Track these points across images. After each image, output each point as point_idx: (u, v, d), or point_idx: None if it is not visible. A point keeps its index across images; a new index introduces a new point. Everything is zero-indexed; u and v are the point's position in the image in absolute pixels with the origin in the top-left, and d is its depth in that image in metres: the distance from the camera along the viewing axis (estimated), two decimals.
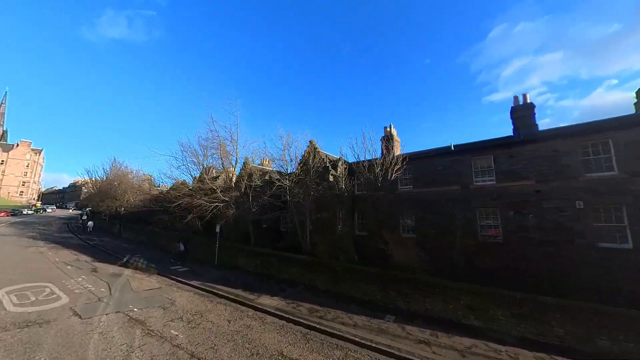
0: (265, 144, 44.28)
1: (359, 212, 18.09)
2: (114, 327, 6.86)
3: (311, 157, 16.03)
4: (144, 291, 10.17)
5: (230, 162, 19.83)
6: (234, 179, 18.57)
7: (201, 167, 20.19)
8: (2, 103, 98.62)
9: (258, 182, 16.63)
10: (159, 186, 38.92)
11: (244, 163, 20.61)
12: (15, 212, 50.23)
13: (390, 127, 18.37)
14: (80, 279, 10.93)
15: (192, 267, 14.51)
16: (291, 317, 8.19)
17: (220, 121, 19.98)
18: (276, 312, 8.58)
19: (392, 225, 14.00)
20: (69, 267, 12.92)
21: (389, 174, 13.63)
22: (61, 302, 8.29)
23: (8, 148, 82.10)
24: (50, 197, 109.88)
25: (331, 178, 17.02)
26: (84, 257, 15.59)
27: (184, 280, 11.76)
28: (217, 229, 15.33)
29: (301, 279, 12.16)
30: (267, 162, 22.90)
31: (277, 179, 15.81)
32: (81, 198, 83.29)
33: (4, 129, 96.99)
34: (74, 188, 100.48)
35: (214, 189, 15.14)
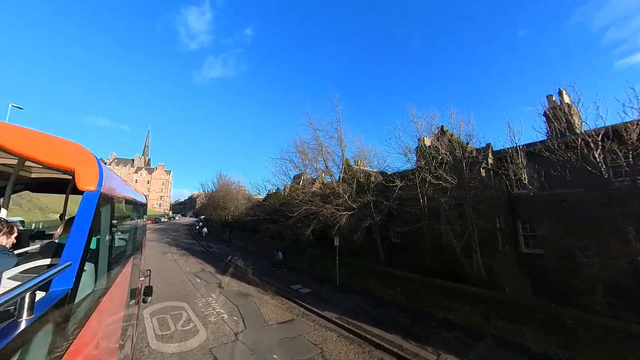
0: (364, 142, 40.88)
1: (523, 219, 12.52)
2: None
3: (444, 145, 11.66)
4: (277, 324, 8.05)
5: (336, 164, 17.43)
6: (340, 183, 15.98)
7: (308, 169, 18.51)
8: (147, 137, 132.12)
9: (370, 183, 13.40)
10: (255, 195, 41.51)
11: (345, 163, 17.94)
12: (156, 219, 63.97)
13: (562, 93, 12.14)
14: (210, 299, 9.85)
15: (310, 285, 12.26)
16: None
17: (320, 121, 17.89)
18: None
19: (607, 240, 8.10)
20: (197, 279, 12.52)
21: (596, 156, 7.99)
22: (199, 339, 6.71)
23: (151, 171, 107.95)
24: (176, 207, 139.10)
25: (483, 172, 12.18)
26: (207, 267, 15.62)
27: (315, 310, 9.29)
28: (337, 242, 12.71)
29: (483, 324, 7.90)
30: (361, 163, 19.69)
31: (389, 179, 12.16)
32: (196, 208, 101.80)
33: (149, 157, 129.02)
34: (191, 200, 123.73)
35: (340, 193, 12.54)
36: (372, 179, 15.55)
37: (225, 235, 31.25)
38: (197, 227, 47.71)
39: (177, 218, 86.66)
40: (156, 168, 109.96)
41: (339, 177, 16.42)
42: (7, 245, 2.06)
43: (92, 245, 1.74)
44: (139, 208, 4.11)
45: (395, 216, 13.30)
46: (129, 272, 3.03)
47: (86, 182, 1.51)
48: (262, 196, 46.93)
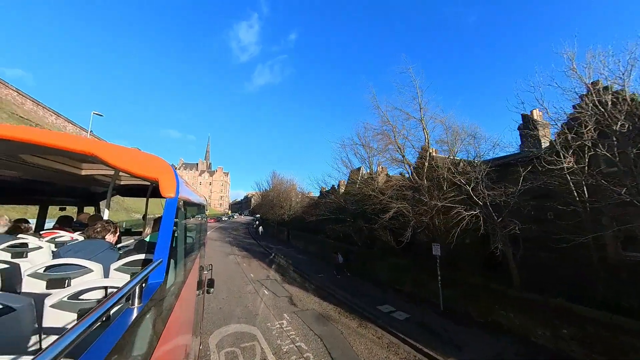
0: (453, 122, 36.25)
1: None
2: None
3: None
4: None
5: (416, 149, 14.03)
6: (423, 172, 12.49)
7: (374, 160, 15.59)
8: (207, 144, 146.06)
9: (479, 173, 9.64)
10: (307, 193, 40.10)
11: (425, 150, 14.30)
12: (218, 218, 68.86)
13: None
14: (284, 323, 7.76)
15: (402, 307, 9.31)
16: None
17: (393, 103, 14.62)
18: None
19: None
20: (265, 290, 10.74)
21: None
22: None
23: (212, 173, 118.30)
24: (234, 207, 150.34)
25: None
26: (272, 273, 13.97)
27: (433, 356, 6.35)
28: (437, 251, 9.46)
29: None
30: (434, 151, 15.63)
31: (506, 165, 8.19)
32: (251, 207, 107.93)
33: (210, 161, 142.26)
34: (247, 199, 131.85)
35: (463, 183, 9.15)
36: (460, 167, 11.75)
37: (282, 235, 30.32)
38: (254, 226, 48.95)
39: (235, 217, 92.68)
40: (216, 171, 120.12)
41: (413, 168, 13.01)
42: (112, 242, 2.56)
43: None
44: (201, 209, 4.33)
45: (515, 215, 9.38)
46: (197, 266, 3.38)
47: (167, 190, 1.72)
48: (313, 194, 45.70)
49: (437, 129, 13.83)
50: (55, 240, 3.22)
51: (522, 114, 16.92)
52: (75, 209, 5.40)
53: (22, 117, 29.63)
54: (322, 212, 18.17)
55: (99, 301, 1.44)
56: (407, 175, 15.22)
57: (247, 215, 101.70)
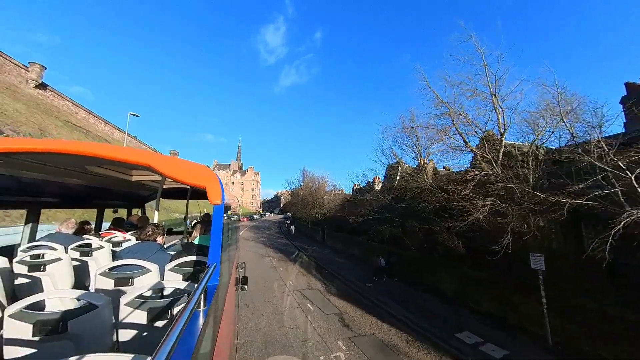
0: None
1: None
2: None
3: None
4: None
5: (486, 134, 11.42)
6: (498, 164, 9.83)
7: (422, 151, 13.30)
8: (238, 145, 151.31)
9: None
10: (340, 190, 38.19)
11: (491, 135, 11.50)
12: (250, 217, 70.12)
13: None
14: (341, 355, 6.04)
15: (488, 334, 7.06)
16: None
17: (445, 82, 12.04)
18: None
19: None
20: (309, 304, 9.15)
21: None
22: None
23: (244, 173, 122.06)
24: (265, 205, 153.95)
25: None
26: (313, 281, 12.40)
27: None
28: (538, 264, 6.99)
29: None
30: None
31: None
32: (281, 206, 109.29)
33: (241, 162, 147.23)
34: (277, 198, 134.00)
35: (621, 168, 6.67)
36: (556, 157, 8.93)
37: (316, 235, 28.84)
38: (286, 225, 48.46)
39: (266, 215, 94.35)
40: (247, 170, 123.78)
41: (481, 157, 10.35)
42: (162, 244, 2.72)
43: None
44: (234, 210, 4.55)
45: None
46: (235, 265, 3.63)
47: (215, 197, 1.80)
48: (346, 191, 43.61)
49: (519, 104, 10.89)
50: (112, 240, 3.57)
51: (626, 84, 13.11)
52: (124, 211, 5.97)
53: (75, 124, 31.93)
54: (368, 211, 16.05)
55: (170, 302, 1.57)
56: (467, 166, 12.63)
57: (278, 214, 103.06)
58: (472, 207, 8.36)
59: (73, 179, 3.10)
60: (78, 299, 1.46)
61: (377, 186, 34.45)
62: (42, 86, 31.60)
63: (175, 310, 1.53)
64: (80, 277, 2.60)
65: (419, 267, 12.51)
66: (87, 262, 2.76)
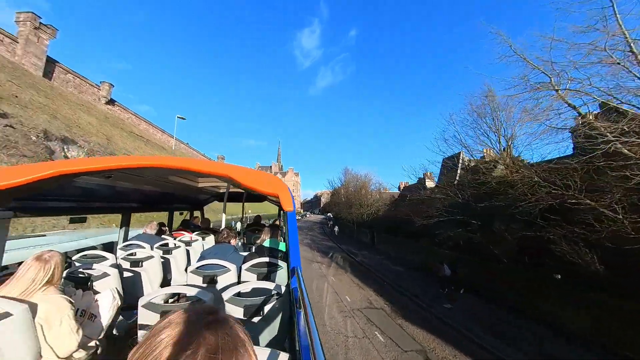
0: None
1: None
2: None
3: None
4: None
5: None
6: None
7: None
8: (278, 148, 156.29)
9: None
10: (384, 190, 35.15)
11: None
12: None
13: None
14: None
15: None
16: None
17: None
18: None
19: None
20: (378, 334, 7.21)
21: None
22: None
23: (284, 174, 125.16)
24: (305, 206, 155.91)
25: None
26: (373, 296, 10.43)
27: None
28: None
29: None
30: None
31: None
32: (321, 206, 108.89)
33: (281, 163, 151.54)
34: (316, 198, 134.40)
35: None
36: None
37: (363, 237, 26.63)
38: (329, 226, 47.16)
39: (307, 215, 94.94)
40: (287, 172, 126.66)
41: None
42: (234, 245, 2.87)
43: (282, 248, 2.83)
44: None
45: None
46: None
47: (287, 204, 1.95)
48: (393, 190, 40.28)
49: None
50: (182, 240, 4.07)
51: None
52: (182, 213, 6.46)
53: (137, 134, 35.13)
54: (440, 212, 13.37)
55: (263, 301, 1.72)
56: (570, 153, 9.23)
57: (318, 214, 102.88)
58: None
59: (154, 187, 3.54)
60: (191, 295, 1.67)
61: (430, 184, 30.79)
62: (111, 102, 35.51)
63: (267, 308, 1.68)
64: (165, 273, 3.03)
65: (509, 283, 9.61)
66: (169, 259, 3.20)
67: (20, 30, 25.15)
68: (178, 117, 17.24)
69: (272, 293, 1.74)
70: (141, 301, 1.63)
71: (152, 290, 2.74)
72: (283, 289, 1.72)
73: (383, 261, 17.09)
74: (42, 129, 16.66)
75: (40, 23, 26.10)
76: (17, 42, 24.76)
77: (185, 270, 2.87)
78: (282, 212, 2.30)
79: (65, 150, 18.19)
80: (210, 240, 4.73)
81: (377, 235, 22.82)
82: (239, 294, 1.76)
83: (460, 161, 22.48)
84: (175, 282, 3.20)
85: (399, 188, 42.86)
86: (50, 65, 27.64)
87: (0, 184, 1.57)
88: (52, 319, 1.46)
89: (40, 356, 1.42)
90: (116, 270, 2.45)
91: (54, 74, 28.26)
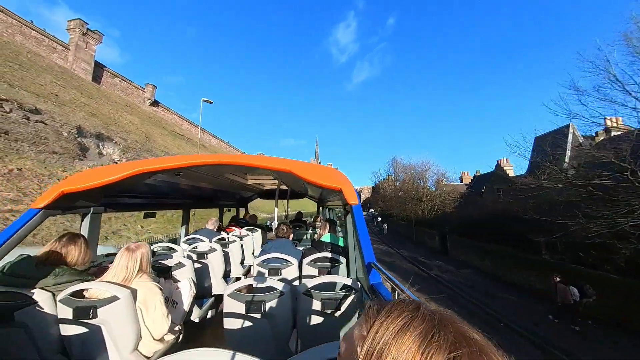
0: None
1: None
2: None
3: None
4: None
5: None
6: None
7: None
8: (316, 144, 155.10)
9: None
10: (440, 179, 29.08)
11: None
12: None
13: None
14: None
15: None
16: None
17: None
18: None
19: None
20: None
21: None
22: None
23: None
24: None
25: None
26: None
27: None
28: None
29: None
30: None
31: None
32: (361, 202, 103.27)
33: (319, 160, 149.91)
34: (357, 193, 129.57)
35: None
36: None
37: (427, 239, 21.64)
38: (375, 223, 42.83)
39: None
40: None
41: None
42: (292, 240, 3.02)
43: (341, 243, 2.74)
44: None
45: None
46: None
47: (351, 198, 1.95)
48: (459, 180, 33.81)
49: None
50: (234, 235, 4.09)
51: None
52: (229, 210, 6.68)
53: (178, 133, 35.35)
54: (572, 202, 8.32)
55: (343, 296, 1.65)
56: None
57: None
58: None
59: (208, 184, 3.62)
60: (270, 286, 1.74)
61: (509, 170, 24.25)
62: (155, 103, 36.37)
63: (346, 303, 1.61)
64: (226, 266, 3.22)
65: None
66: (227, 252, 3.36)
67: (70, 38, 26.29)
68: (204, 100, 14.94)
69: (351, 288, 1.67)
70: (226, 291, 1.71)
71: (216, 281, 3.04)
72: (359, 284, 1.68)
73: (472, 277, 12.39)
74: (76, 125, 15.88)
75: (88, 29, 27.00)
76: (69, 50, 25.90)
77: (241, 263, 3.69)
78: (345, 206, 2.14)
79: (100, 146, 17.45)
80: (258, 236, 4.77)
81: (451, 239, 17.69)
82: (315, 287, 1.70)
83: (571, 136, 16.28)
84: (233, 273, 3.48)
85: (461, 179, 36.20)
86: (98, 70, 28.68)
87: (96, 182, 1.85)
88: (149, 303, 1.61)
89: (140, 337, 1.59)
90: (190, 261, 2.59)
91: (102, 78, 29.32)
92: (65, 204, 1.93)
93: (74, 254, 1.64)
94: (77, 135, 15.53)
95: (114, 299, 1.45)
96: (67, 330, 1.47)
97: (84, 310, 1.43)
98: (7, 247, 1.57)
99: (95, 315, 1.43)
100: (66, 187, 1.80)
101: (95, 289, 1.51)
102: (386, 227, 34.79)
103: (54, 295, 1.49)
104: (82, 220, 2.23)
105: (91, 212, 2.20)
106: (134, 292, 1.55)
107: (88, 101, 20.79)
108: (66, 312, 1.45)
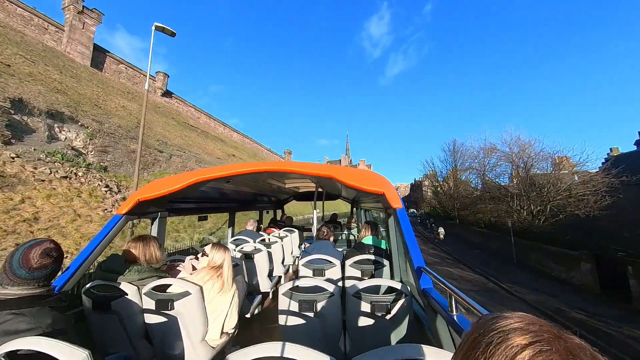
0: None
1: None
2: None
3: None
4: None
5: None
6: None
7: None
8: (347, 142, 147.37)
9: None
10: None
11: None
12: None
13: None
14: None
15: None
16: None
17: None
18: None
19: None
20: None
21: None
22: None
23: (355, 167, 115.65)
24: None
25: None
26: None
27: None
28: None
29: None
30: None
31: None
32: (404, 205, 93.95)
33: (350, 157, 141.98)
34: None
35: None
36: None
37: (525, 256, 13.32)
38: (428, 227, 34.60)
39: None
40: (358, 164, 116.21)
41: None
42: (333, 242, 3.11)
43: (383, 245, 2.81)
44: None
45: None
46: None
47: (395, 201, 1.98)
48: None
49: None
50: (273, 236, 4.37)
51: None
52: (267, 212, 7.19)
53: (193, 126, 31.03)
54: None
55: (393, 300, 1.70)
56: None
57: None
58: None
59: (250, 188, 3.99)
60: (319, 287, 1.88)
61: None
62: (168, 94, 32.60)
63: (396, 307, 1.64)
64: (270, 265, 3.46)
65: None
66: (270, 252, 3.59)
67: (65, 18, 23.08)
68: (156, 25, 8.76)
69: (400, 292, 1.71)
70: (281, 289, 1.83)
71: (262, 279, 3.29)
72: (408, 288, 1.71)
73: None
74: (11, 97, 11.16)
75: (84, 6, 23.52)
76: (64, 31, 22.63)
77: (282, 262, 4.04)
78: (388, 209, 2.22)
79: (57, 128, 12.68)
80: (295, 237, 5.05)
81: (633, 268, 8.98)
82: (364, 290, 1.77)
83: None
84: (276, 272, 3.74)
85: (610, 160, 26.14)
86: (99, 55, 25.27)
87: (163, 191, 2.15)
88: (224, 299, 1.85)
89: (207, 329, 1.79)
90: (242, 261, 2.92)
91: (105, 64, 25.86)
92: (140, 210, 2.27)
93: (150, 253, 1.94)
94: (11, 111, 10.75)
95: (186, 294, 1.67)
96: (150, 319, 1.72)
97: (164, 303, 1.67)
98: (101, 248, 1.97)
99: (172, 307, 1.66)
100: (141, 196, 2.15)
101: (172, 284, 1.76)
102: (442, 231, 26.59)
103: (139, 288, 1.73)
104: (152, 224, 2.58)
105: (159, 216, 2.56)
106: (207, 288, 1.81)
107: (63, 79, 16.42)
108: (149, 304, 1.69)
